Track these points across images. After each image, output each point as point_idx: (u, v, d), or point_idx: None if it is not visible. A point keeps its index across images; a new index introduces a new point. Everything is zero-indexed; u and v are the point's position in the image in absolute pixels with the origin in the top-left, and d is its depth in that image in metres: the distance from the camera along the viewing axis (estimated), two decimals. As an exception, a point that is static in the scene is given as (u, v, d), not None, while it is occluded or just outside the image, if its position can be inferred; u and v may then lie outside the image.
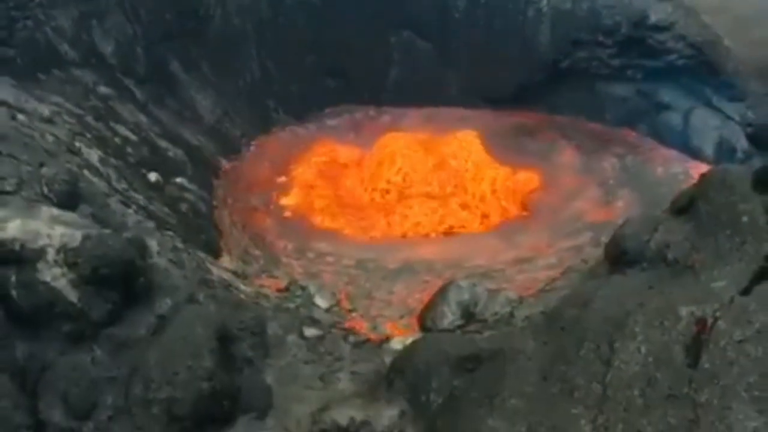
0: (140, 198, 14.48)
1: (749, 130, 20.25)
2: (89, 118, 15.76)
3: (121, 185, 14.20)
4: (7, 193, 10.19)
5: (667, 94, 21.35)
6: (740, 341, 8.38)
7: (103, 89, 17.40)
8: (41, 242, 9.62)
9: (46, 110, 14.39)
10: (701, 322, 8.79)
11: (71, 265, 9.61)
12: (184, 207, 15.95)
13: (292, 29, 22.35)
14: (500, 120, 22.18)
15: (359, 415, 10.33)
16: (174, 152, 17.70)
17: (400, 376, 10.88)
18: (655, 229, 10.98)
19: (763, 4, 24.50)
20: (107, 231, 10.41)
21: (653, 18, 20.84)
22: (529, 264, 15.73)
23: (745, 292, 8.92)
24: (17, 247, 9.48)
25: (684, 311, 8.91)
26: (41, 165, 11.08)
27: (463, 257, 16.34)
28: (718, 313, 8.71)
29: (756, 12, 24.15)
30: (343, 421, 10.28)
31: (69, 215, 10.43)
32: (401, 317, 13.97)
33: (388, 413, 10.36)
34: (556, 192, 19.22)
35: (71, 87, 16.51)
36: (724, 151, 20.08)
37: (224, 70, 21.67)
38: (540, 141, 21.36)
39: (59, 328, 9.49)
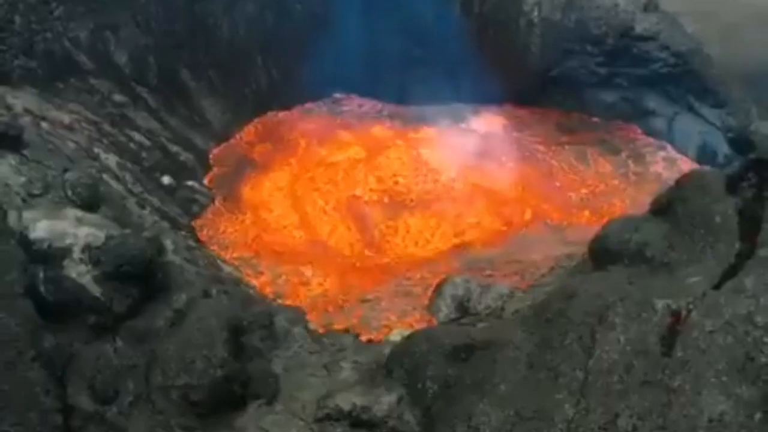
0: (155, 200, 14.84)
1: (730, 135, 20.56)
2: (106, 125, 16.07)
3: (137, 188, 14.57)
4: (35, 196, 10.56)
5: (652, 101, 21.68)
6: (711, 332, 8.75)
7: (117, 97, 17.67)
8: (67, 241, 10.08)
9: (66, 118, 14.72)
10: (676, 315, 9.17)
11: (95, 263, 10.07)
12: (195, 208, 16.30)
13: (296, 39, 22.52)
14: (513, 117, 22.55)
15: (361, 401, 10.68)
16: (185, 156, 18.01)
17: (399, 365, 11.20)
18: (635, 229, 11.32)
19: (747, 11, 24.73)
20: (127, 231, 10.83)
21: (639, 28, 21.13)
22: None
23: (717, 287, 9.29)
24: (45, 246, 9.94)
25: (660, 304, 9.28)
26: (65, 170, 11.44)
27: (519, 252, 16.38)
28: (691, 306, 9.09)
29: (741, 19, 24.38)
30: (345, 406, 10.65)
31: (92, 216, 10.84)
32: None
33: (388, 399, 10.69)
34: (605, 186, 19.48)
35: (88, 95, 16.80)
36: (706, 156, 20.41)
37: (231, 78, 21.89)
38: (572, 142, 21.55)
39: (84, 321, 9.93)
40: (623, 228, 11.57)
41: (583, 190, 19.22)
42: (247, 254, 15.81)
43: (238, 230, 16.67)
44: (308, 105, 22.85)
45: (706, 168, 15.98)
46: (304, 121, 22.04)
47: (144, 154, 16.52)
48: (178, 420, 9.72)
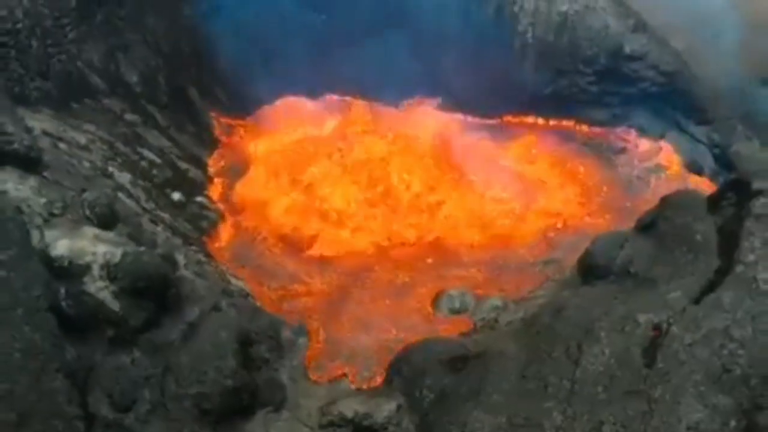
0: (166, 216, 15.11)
1: (715, 151, 20.92)
2: (119, 144, 16.33)
3: (150, 205, 14.83)
4: (55, 215, 10.85)
5: (640, 118, 22.04)
6: (690, 345, 9.17)
7: (129, 116, 17.94)
8: (87, 259, 10.40)
9: (81, 138, 14.98)
10: (657, 328, 9.61)
11: (113, 279, 10.42)
12: (204, 224, 16.59)
13: (298, 56, 22.69)
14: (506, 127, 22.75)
15: (362, 408, 11.14)
16: (194, 173, 18.27)
17: (398, 375, 11.65)
18: (621, 245, 11.72)
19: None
20: (142, 248, 11.16)
21: (628, 49, 21.48)
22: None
23: (696, 301, 9.69)
24: (66, 263, 10.26)
25: (643, 318, 9.70)
26: (82, 190, 11.70)
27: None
28: (671, 320, 9.51)
29: (725, 31, 24.63)
30: (348, 413, 11.11)
31: (109, 235, 11.12)
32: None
33: (387, 407, 11.13)
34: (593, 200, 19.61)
35: (102, 115, 17.03)
36: (693, 172, 20.74)
37: (236, 94, 22.18)
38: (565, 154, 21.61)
39: (103, 334, 10.27)
40: (610, 244, 11.97)
41: (574, 203, 19.45)
42: (250, 266, 16.18)
43: (242, 242, 16.94)
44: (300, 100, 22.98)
45: (689, 188, 16.32)
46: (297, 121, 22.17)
47: (155, 172, 16.78)
48: (191, 426, 10.13)
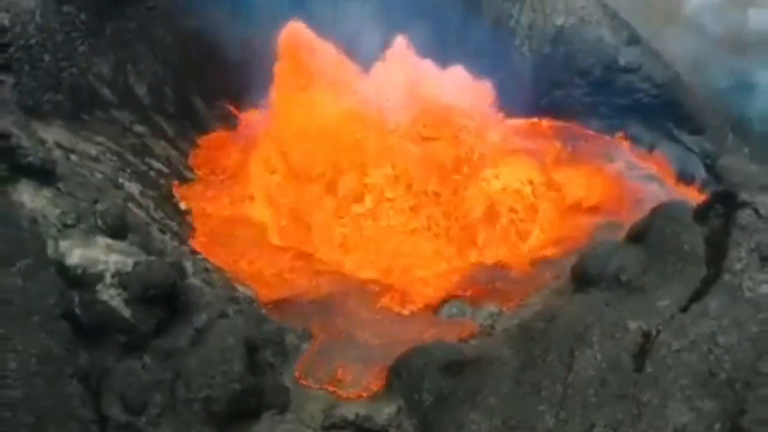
0: (174, 225, 15.34)
1: (707, 161, 21.21)
2: (128, 155, 16.58)
3: (158, 214, 15.02)
4: (69, 226, 11.06)
5: (633, 128, 22.33)
6: (677, 350, 9.41)
7: (138, 127, 18.14)
8: (99, 268, 10.66)
9: (92, 150, 15.20)
10: (646, 335, 9.87)
11: (125, 287, 10.67)
12: (209, 231, 16.82)
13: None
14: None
15: (363, 411, 11.39)
16: (200, 182, 18.60)
17: (398, 379, 11.84)
18: (613, 254, 11.92)
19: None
20: (153, 258, 11.42)
21: (622, 61, 21.83)
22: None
23: (684, 309, 9.91)
24: (80, 272, 10.51)
25: (633, 325, 9.93)
26: (95, 201, 11.88)
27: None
28: (660, 327, 9.73)
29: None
30: (349, 416, 11.37)
31: (120, 244, 11.35)
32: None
33: (388, 409, 11.39)
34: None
35: (111, 126, 17.24)
36: (684, 181, 21.09)
37: (243, 104, 22.43)
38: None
39: (115, 340, 10.53)
40: (602, 253, 12.19)
41: (567, 211, 19.56)
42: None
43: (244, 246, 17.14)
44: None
45: (680, 198, 16.56)
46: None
47: (162, 181, 17.05)
48: (200, 429, 10.39)
